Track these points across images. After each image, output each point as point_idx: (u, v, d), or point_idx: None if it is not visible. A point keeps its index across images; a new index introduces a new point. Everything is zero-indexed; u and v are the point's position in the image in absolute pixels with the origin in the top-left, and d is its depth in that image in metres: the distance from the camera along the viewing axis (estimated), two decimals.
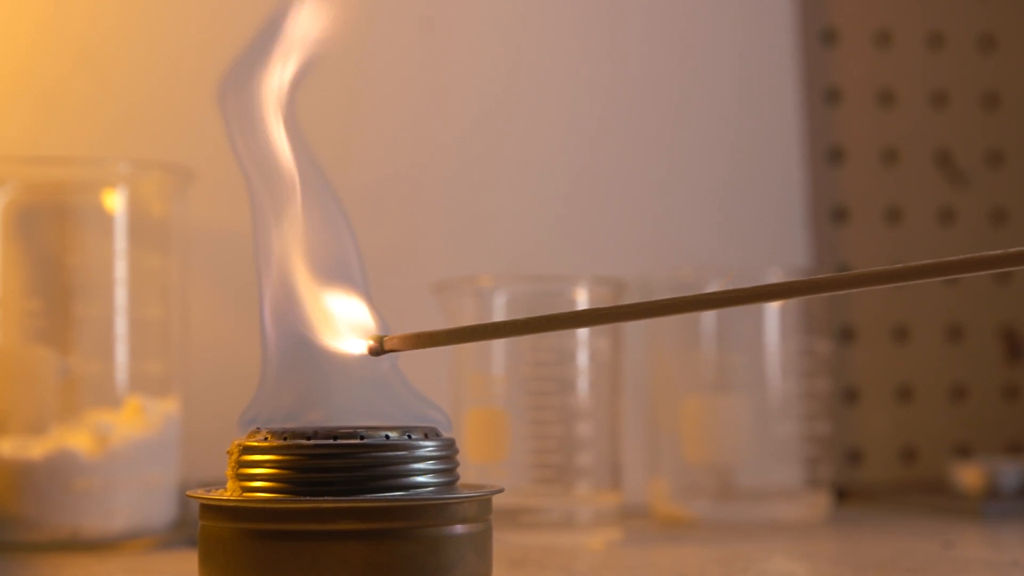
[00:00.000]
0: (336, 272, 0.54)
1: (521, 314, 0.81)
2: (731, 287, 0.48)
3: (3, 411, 0.77)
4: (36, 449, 0.76)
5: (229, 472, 0.52)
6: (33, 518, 0.75)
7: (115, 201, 0.80)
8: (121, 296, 0.79)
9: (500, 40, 1.01)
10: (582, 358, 0.81)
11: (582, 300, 0.82)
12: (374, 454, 0.50)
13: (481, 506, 0.51)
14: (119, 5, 0.94)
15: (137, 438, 0.78)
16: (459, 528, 0.50)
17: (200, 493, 0.52)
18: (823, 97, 1.11)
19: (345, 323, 0.54)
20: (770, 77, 1.07)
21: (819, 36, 1.11)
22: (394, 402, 0.54)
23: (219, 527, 0.50)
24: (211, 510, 0.51)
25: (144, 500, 0.78)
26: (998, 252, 0.44)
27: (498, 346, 0.81)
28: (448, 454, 0.52)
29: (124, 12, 0.94)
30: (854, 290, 0.47)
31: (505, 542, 0.76)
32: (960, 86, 1.13)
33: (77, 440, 0.76)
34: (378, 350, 0.53)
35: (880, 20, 1.12)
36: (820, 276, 0.48)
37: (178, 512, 0.80)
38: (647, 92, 1.04)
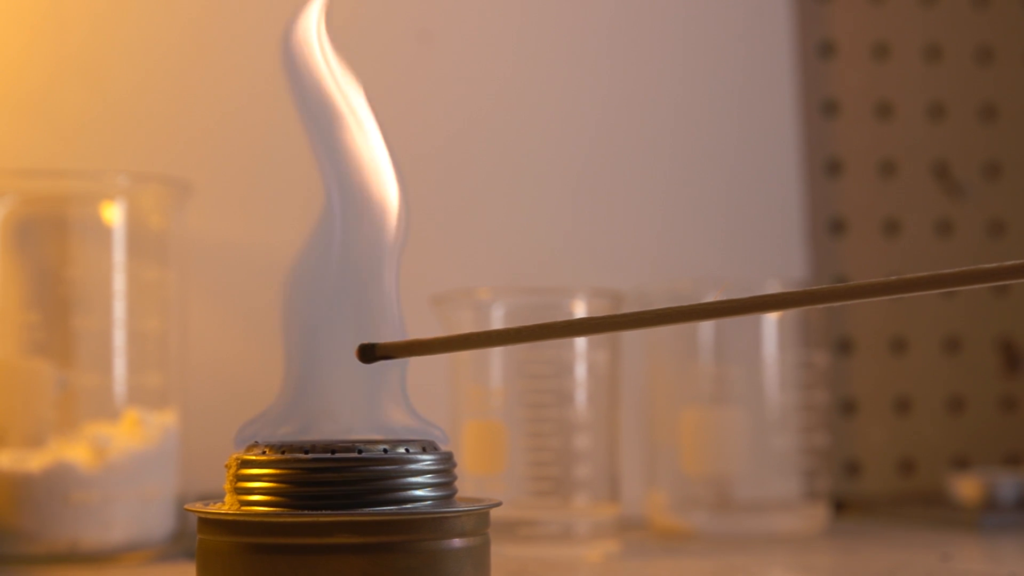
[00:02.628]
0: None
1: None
2: (725, 298, 0.48)
3: (1, 424, 0.77)
4: (34, 462, 0.76)
5: (227, 486, 0.52)
6: (32, 531, 0.75)
7: (113, 214, 0.80)
8: (119, 308, 0.79)
9: (498, 52, 1.01)
10: (580, 370, 0.81)
11: (580, 312, 0.82)
12: (372, 468, 0.50)
13: (479, 519, 0.52)
14: (118, 17, 0.94)
15: (135, 451, 0.78)
16: (457, 542, 0.50)
17: (198, 507, 0.52)
18: (821, 109, 1.11)
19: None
20: (768, 89, 1.07)
21: (817, 49, 1.11)
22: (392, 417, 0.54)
23: (217, 541, 0.50)
24: (209, 524, 0.51)
25: (142, 512, 0.78)
26: (996, 265, 0.44)
27: (496, 359, 0.81)
28: (446, 467, 0.52)
29: (123, 24, 0.94)
30: (852, 302, 0.47)
31: (503, 555, 0.76)
32: (958, 98, 1.13)
33: (75, 453, 0.76)
34: (370, 356, 0.52)
35: (878, 33, 1.12)
36: (818, 287, 0.48)
37: (176, 524, 0.80)
38: (645, 104, 1.04)
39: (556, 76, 1.02)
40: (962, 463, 1.10)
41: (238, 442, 0.52)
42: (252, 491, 0.50)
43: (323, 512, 0.49)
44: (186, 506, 0.53)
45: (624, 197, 1.03)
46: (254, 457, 0.51)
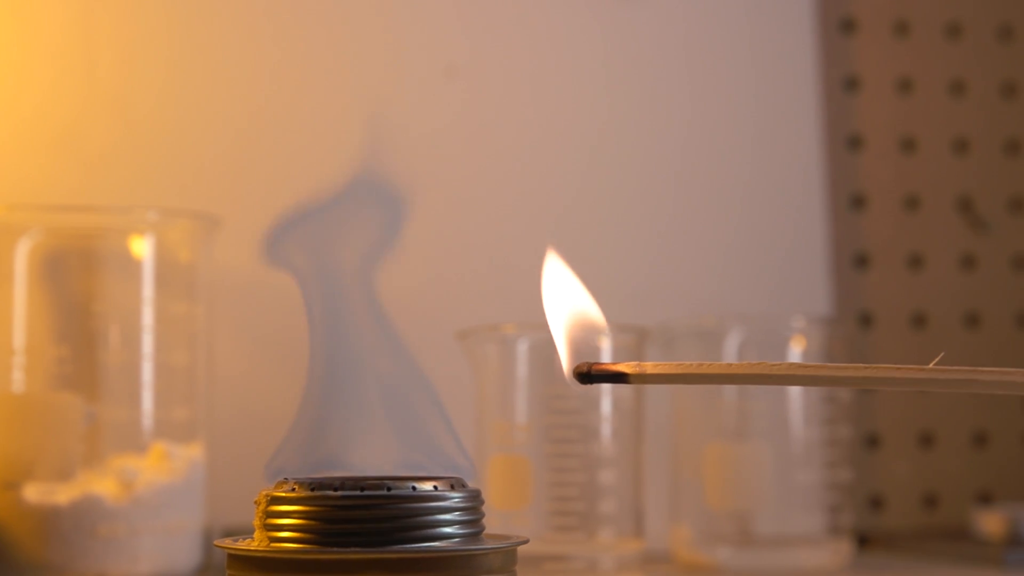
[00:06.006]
0: None
1: (543, 362, 0.82)
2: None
3: (29, 457, 0.77)
4: (62, 495, 0.76)
5: (256, 522, 0.52)
6: (59, 564, 0.76)
7: (142, 248, 0.80)
8: (147, 342, 0.80)
9: (523, 86, 1.02)
10: (605, 405, 0.82)
11: (604, 348, 0.82)
12: (401, 505, 0.50)
13: (506, 557, 0.52)
14: (146, 52, 0.94)
15: (162, 484, 0.78)
16: None
17: (228, 543, 0.52)
18: (845, 143, 1.11)
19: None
20: (792, 124, 1.07)
21: (842, 83, 1.11)
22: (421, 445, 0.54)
23: None
24: (238, 560, 0.51)
25: (169, 545, 0.78)
26: None
27: (521, 394, 0.82)
28: (474, 505, 0.52)
29: (152, 58, 0.94)
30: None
31: None
32: (982, 133, 1.13)
33: (103, 486, 0.77)
34: (586, 377, 0.52)
35: (902, 68, 1.13)
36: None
37: (202, 557, 0.80)
38: (667, 139, 1.04)
39: (579, 111, 1.03)
40: (986, 498, 1.10)
41: (269, 473, 0.53)
42: (281, 528, 0.50)
43: (352, 549, 0.49)
44: (216, 542, 0.53)
45: (648, 232, 1.03)
46: (283, 494, 0.51)
